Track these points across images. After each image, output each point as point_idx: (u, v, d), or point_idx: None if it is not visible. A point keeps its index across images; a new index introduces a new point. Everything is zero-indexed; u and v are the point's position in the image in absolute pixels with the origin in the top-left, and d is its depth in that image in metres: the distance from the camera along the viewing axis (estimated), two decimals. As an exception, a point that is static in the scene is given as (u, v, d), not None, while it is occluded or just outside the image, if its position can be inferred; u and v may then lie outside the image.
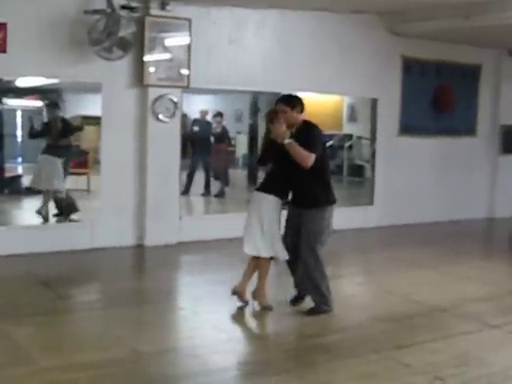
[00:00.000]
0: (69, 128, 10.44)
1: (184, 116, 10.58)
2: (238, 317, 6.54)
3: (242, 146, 15.74)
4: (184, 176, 11.92)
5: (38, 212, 9.77)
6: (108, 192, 9.29)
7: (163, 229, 9.52)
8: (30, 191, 10.66)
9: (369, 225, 11.56)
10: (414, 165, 12.23)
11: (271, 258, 6.60)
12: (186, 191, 12.30)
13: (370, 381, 4.94)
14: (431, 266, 8.88)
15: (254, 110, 14.12)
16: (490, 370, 5.28)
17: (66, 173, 10.39)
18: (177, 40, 9.43)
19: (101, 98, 9.18)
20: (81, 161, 12.13)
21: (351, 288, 8.01)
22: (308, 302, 6.67)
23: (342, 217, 11.32)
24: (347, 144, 14.11)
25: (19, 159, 12.71)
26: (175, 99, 9.46)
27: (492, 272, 8.83)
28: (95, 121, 9.87)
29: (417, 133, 12.20)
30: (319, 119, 13.91)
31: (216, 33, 9.86)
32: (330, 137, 14.25)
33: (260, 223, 6.46)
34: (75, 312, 6.58)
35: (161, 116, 9.38)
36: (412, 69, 12.04)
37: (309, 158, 6.20)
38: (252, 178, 14.46)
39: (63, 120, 10.43)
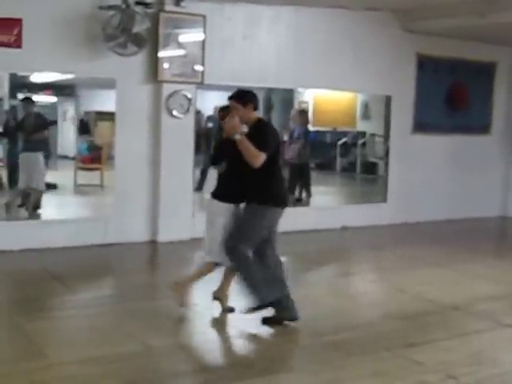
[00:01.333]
0: (43, 122, 10.45)
1: (198, 112, 10.58)
2: (250, 314, 6.53)
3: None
4: (197, 172, 11.91)
5: (7, 205, 9.98)
6: (122, 188, 9.31)
7: (176, 225, 9.53)
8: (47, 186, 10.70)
9: (382, 222, 11.53)
10: (428, 162, 12.19)
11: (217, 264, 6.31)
12: (199, 187, 12.29)
13: (383, 378, 4.93)
14: (444, 264, 8.85)
15: (268, 107, 14.10)
16: (503, 368, 5.26)
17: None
18: (191, 36, 9.44)
19: (115, 93, 9.20)
20: (94, 156, 12.18)
21: (364, 285, 8.00)
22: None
23: (355, 214, 11.46)
24: (360, 141, 14.08)
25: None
26: (189, 95, 9.47)
27: (505, 271, 8.78)
28: (109, 116, 9.89)
29: (431, 130, 12.15)
30: (333, 116, 14.06)
31: (230, 29, 9.86)
32: (344, 134, 14.26)
33: (214, 230, 6.15)
34: (88, 307, 6.59)
35: (175, 112, 9.39)
36: (426, 66, 12.00)
37: (258, 158, 5.81)
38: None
39: (38, 115, 10.45)
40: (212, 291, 6.46)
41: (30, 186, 10.04)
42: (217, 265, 6.32)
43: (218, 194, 6.23)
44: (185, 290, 6.39)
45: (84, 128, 12.67)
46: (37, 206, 10.08)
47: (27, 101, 10.52)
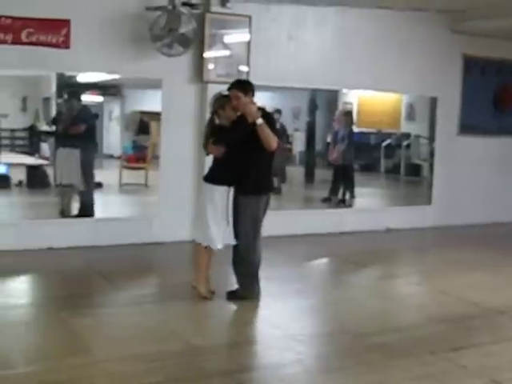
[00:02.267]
0: (83, 117, 10.08)
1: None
2: (294, 313, 6.55)
3: (298, 144, 15.71)
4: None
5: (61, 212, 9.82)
6: (166, 187, 9.38)
7: (220, 224, 9.56)
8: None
9: (426, 225, 11.46)
10: (474, 164, 12.06)
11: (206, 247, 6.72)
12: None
13: (426, 382, 4.91)
14: (489, 268, 8.76)
15: (312, 108, 14.09)
16: (548, 374, 5.20)
17: (88, 165, 10.00)
18: (236, 37, 9.47)
19: (160, 93, 9.27)
20: (139, 156, 12.29)
21: (407, 288, 7.95)
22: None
23: (400, 216, 11.40)
24: (405, 143, 13.98)
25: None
26: (234, 96, 9.49)
27: (552, 275, 8.68)
28: (154, 116, 9.96)
29: (477, 132, 12.03)
30: (377, 118, 13.99)
31: (275, 30, 9.88)
32: (388, 135, 14.18)
33: (207, 212, 6.54)
34: (132, 304, 6.65)
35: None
36: (473, 67, 11.89)
37: (275, 141, 6.35)
38: (309, 175, 14.44)
39: (81, 109, 10.20)
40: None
41: (67, 182, 9.93)
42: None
43: (212, 179, 6.62)
44: (204, 282, 6.72)
45: (144, 128, 12.67)
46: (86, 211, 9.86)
47: (71, 94, 10.35)
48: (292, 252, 9.24)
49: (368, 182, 14.01)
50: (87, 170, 9.91)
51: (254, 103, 6.48)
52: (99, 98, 12.50)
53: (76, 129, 9.79)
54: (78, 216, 9.64)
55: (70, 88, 10.41)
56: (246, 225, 6.55)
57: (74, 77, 10.42)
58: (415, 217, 11.49)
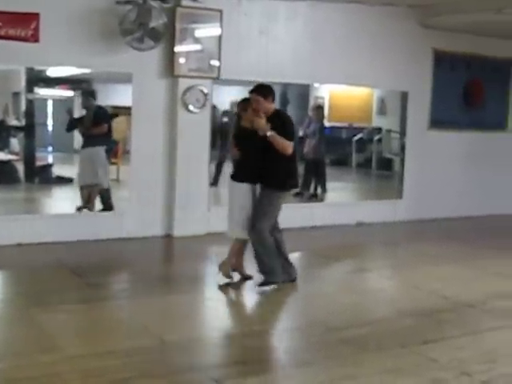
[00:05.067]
0: (103, 116, 10.22)
1: (214, 107, 10.58)
2: (265, 308, 6.56)
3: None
4: (213, 167, 11.92)
5: (79, 209, 9.82)
6: (137, 182, 9.34)
7: (192, 219, 9.56)
8: (61, 180, 10.71)
9: (397, 218, 11.53)
10: (444, 159, 12.15)
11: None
12: (214, 182, 12.30)
13: (397, 375, 4.93)
14: (459, 261, 8.83)
15: (284, 102, 14.08)
16: (517, 366, 5.25)
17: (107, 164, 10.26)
18: (207, 31, 9.44)
19: (131, 88, 9.23)
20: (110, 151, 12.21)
21: (379, 282, 7.99)
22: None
23: (371, 210, 11.45)
24: (376, 137, 14.04)
25: (50, 148, 12.82)
26: (205, 90, 9.49)
27: (521, 268, 8.76)
28: (125, 111, 9.90)
29: (447, 127, 12.11)
30: (349, 112, 14.02)
31: (247, 24, 9.86)
32: (359, 130, 14.22)
33: (235, 208, 6.99)
34: (103, 300, 6.62)
35: (191, 107, 9.41)
36: (443, 62, 11.95)
37: (290, 147, 6.71)
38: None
39: (99, 108, 10.29)
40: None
41: (93, 182, 9.96)
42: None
43: (236, 177, 7.04)
44: (226, 265, 7.18)
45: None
46: (107, 203, 9.95)
47: (86, 94, 10.43)
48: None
49: (339, 176, 14.05)
50: (107, 169, 10.24)
51: (271, 106, 6.84)
52: (70, 93, 12.39)
53: (99, 129, 9.99)
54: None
55: (83, 88, 10.63)
56: (263, 213, 6.89)
57: (44, 71, 10.34)
58: (386, 211, 11.54)
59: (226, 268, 7.15)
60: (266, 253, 6.88)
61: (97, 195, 9.94)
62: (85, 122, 10.09)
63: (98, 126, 9.97)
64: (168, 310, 6.42)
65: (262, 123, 6.65)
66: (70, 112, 10.87)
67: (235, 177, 7.04)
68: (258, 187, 6.98)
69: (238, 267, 7.23)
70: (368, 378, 4.86)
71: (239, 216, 6.93)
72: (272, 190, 6.87)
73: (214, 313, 6.51)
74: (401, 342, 5.59)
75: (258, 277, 7.04)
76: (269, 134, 6.61)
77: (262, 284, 6.91)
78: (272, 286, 6.89)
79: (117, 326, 5.86)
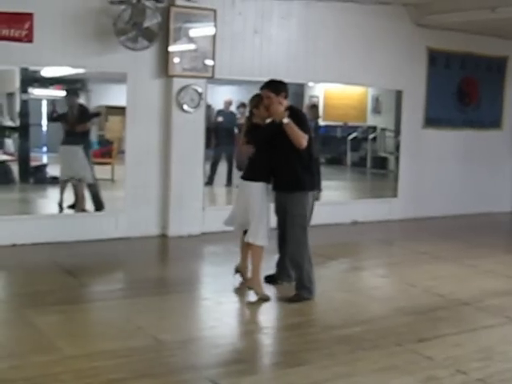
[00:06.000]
0: (86, 114, 10.30)
1: (208, 107, 10.58)
2: (260, 307, 6.55)
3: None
4: (208, 166, 11.93)
5: (59, 204, 9.83)
6: (132, 182, 9.33)
7: (187, 219, 9.55)
8: (55, 180, 10.69)
9: (392, 217, 11.54)
10: (439, 157, 12.17)
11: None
12: (209, 182, 12.31)
13: (392, 373, 4.94)
14: (454, 260, 8.85)
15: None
16: (512, 364, 5.26)
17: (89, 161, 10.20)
18: (202, 30, 9.43)
19: (126, 88, 9.21)
20: (105, 151, 12.19)
21: (374, 280, 8.00)
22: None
23: (366, 209, 11.46)
24: (371, 136, 14.05)
25: (44, 148, 12.79)
26: (200, 90, 9.48)
27: (516, 266, 8.78)
28: (120, 111, 9.90)
29: (441, 125, 12.14)
30: (343, 111, 14.02)
31: (241, 24, 9.86)
32: (354, 128, 14.23)
33: (252, 211, 6.56)
34: (98, 300, 6.62)
35: (185, 106, 9.41)
36: (437, 61, 11.97)
37: (304, 138, 6.35)
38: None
39: (81, 106, 10.34)
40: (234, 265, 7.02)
41: (74, 176, 9.97)
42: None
43: (250, 176, 6.69)
44: (257, 281, 6.67)
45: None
46: (96, 201, 9.90)
47: (71, 93, 10.45)
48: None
49: (334, 175, 14.05)
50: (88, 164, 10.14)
51: (281, 103, 6.51)
52: (64, 93, 12.37)
53: (82, 127, 10.01)
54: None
55: (67, 86, 10.57)
56: (297, 226, 6.58)
57: (38, 71, 10.32)
58: (381, 209, 11.56)
59: (259, 285, 6.69)
60: (309, 266, 6.63)
61: (83, 192, 9.89)
62: (68, 118, 10.10)
63: (79, 124, 9.99)
64: (163, 309, 6.41)
65: (280, 109, 6.39)
66: (53, 104, 10.88)
67: (250, 176, 6.69)
68: (270, 187, 6.68)
69: (243, 270, 7.09)
70: (363, 377, 4.86)
71: (261, 220, 6.53)
72: (297, 195, 6.56)
73: (209, 312, 6.50)
74: (396, 340, 5.60)
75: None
76: (286, 121, 6.30)
77: (295, 300, 6.60)
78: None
79: (112, 326, 5.85)
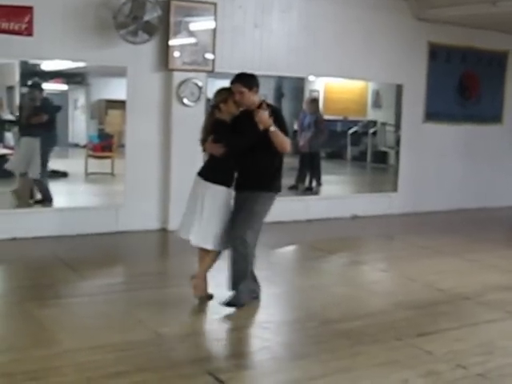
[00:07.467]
0: (46, 107, 10.11)
1: (208, 100, 10.56)
2: (260, 301, 6.55)
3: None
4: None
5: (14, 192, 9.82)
6: (132, 176, 9.32)
7: (187, 213, 9.53)
8: (55, 174, 10.65)
9: (392, 211, 11.54)
10: (439, 152, 12.16)
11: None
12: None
13: (393, 367, 4.94)
14: (455, 254, 8.85)
15: (278, 95, 14.07)
16: (513, 358, 5.26)
17: (45, 155, 9.91)
18: (202, 24, 9.42)
19: (126, 81, 9.20)
20: (105, 144, 12.18)
21: (374, 274, 8.00)
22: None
23: (366, 203, 11.46)
24: (371, 130, 14.03)
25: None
26: (200, 83, 9.47)
27: (516, 260, 8.78)
28: (120, 105, 9.88)
29: (442, 119, 12.13)
30: (344, 105, 14.00)
31: (241, 17, 9.84)
32: (354, 123, 14.21)
33: (206, 212, 6.12)
34: (99, 294, 6.61)
35: (185, 100, 9.40)
36: (438, 55, 11.96)
37: (288, 143, 5.99)
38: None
39: (45, 99, 10.24)
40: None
41: (21, 171, 9.94)
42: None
43: (212, 177, 6.12)
44: (200, 282, 6.36)
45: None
46: (44, 195, 9.86)
47: (34, 85, 10.30)
48: (259, 240, 9.23)
49: (335, 170, 14.04)
50: (44, 160, 9.90)
51: (255, 99, 6.03)
52: (64, 87, 12.34)
53: (38, 119, 9.80)
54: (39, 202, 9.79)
55: (32, 78, 10.32)
56: (253, 222, 6.11)
57: (38, 65, 10.29)
58: (381, 204, 11.55)
59: (203, 286, 6.35)
60: (246, 270, 6.17)
61: (29, 185, 9.89)
62: (23, 111, 10.11)
63: (36, 116, 9.88)
64: (163, 303, 6.40)
65: (265, 116, 5.83)
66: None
67: (211, 177, 6.15)
68: (232, 191, 6.19)
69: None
70: (363, 371, 4.86)
71: (218, 224, 6.10)
72: (262, 193, 6.11)
73: (209, 306, 6.49)
74: (396, 335, 5.60)
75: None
76: (272, 129, 5.83)
77: (228, 304, 6.12)
78: (234, 309, 6.13)
79: (112, 319, 5.84)
